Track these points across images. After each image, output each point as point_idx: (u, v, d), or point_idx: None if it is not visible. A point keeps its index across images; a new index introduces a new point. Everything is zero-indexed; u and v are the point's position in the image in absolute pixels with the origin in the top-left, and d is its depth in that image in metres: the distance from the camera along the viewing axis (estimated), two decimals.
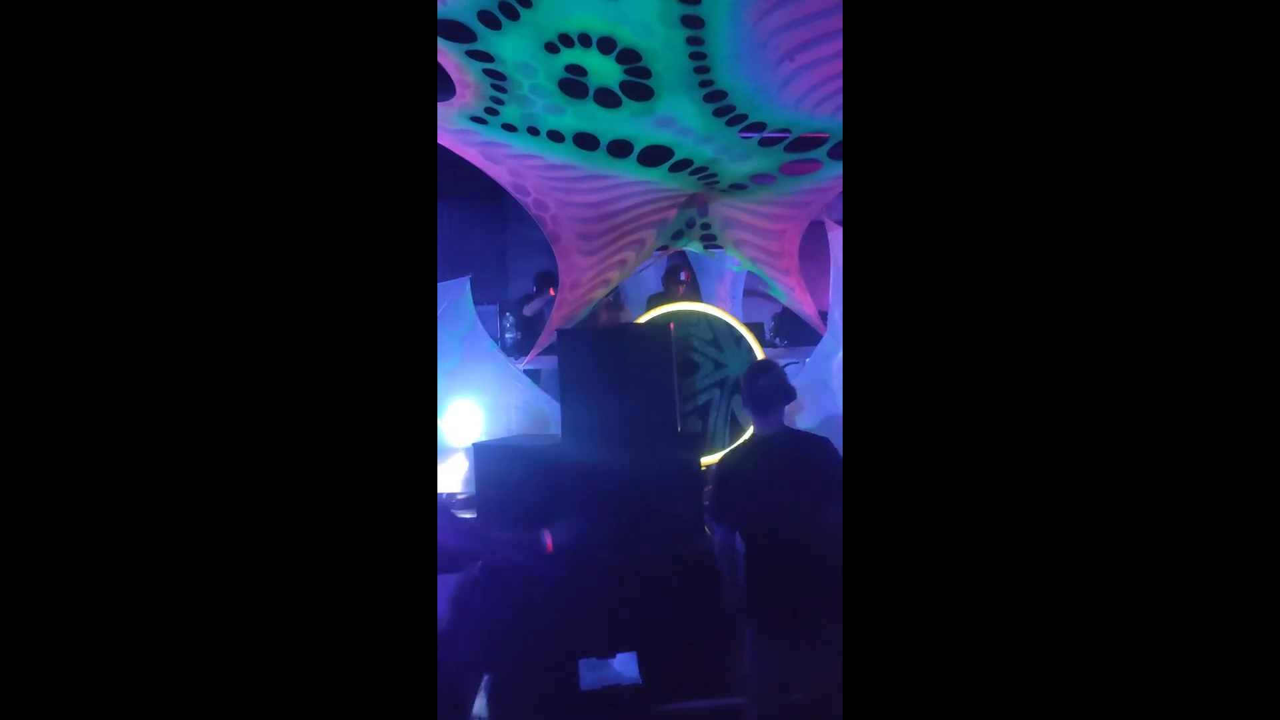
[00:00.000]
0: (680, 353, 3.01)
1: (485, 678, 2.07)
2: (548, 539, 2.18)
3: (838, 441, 2.00)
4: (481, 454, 2.46)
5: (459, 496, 2.89)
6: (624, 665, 2.00)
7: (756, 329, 3.58)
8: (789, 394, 2.17)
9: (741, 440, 2.10)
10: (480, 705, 1.99)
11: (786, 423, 2.20)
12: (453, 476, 2.94)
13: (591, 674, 1.97)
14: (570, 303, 3.07)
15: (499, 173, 2.64)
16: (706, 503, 2.29)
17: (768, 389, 2.09)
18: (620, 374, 2.50)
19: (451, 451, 2.90)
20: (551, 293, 3.67)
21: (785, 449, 2.06)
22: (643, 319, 3.29)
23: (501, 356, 3.18)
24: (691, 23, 1.71)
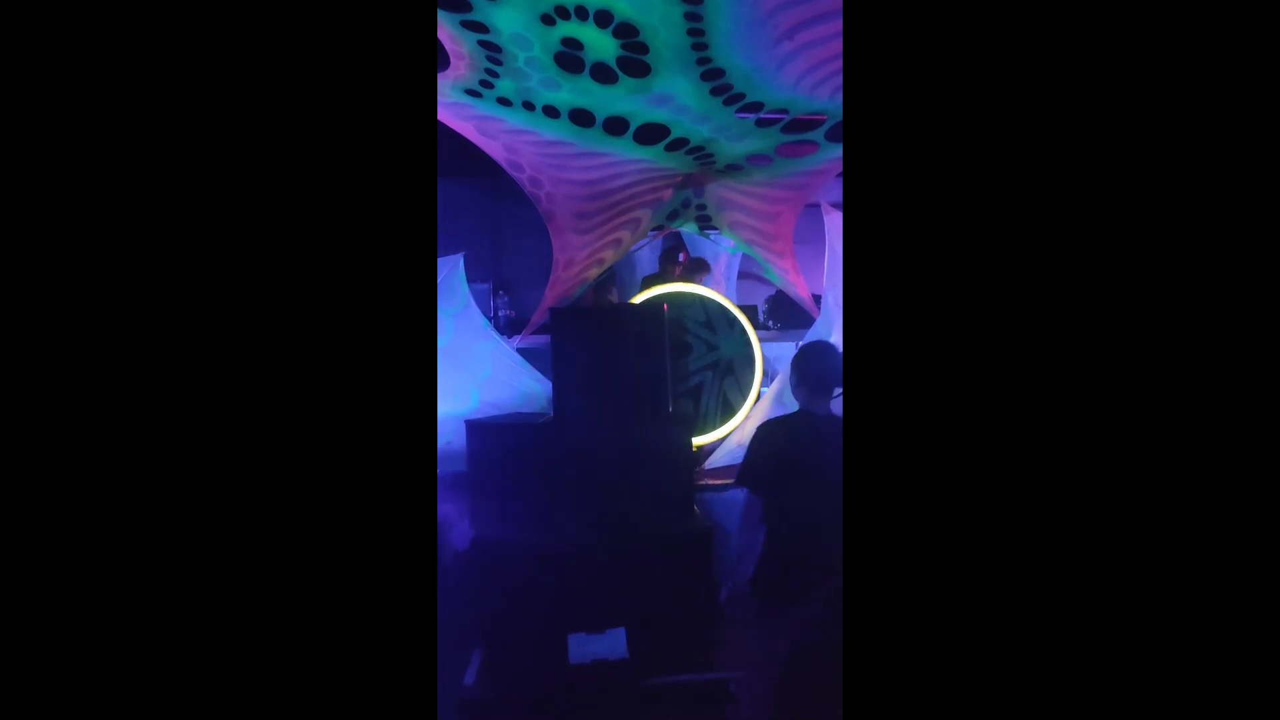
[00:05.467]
0: (673, 334, 3.01)
1: (476, 652, 2.10)
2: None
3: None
4: (474, 431, 2.47)
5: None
6: (612, 640, 2.03)
7: (750, 311, 3.58)
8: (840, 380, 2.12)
9: (791, 413, 2.09)
10: (471, 678, 2.01)
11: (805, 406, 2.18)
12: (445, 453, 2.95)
13: (580, 648, 2.00)
14: (564, 281, 3.06)
15: (493, 148, 2.61)
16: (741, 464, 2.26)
17: (828, 371, 2.04)
18: (613, 354, 2.50)
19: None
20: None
21: (833, 435, 2.02)
22: (637, 299, 3.29)
23: (494, 334, 3.16)
24: None
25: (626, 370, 2.49)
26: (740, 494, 2.07)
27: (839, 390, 2.07)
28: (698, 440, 3.07)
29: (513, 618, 2.12)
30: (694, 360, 3.18)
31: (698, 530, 2.34)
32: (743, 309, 3.34)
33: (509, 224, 4.84)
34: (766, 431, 2.08)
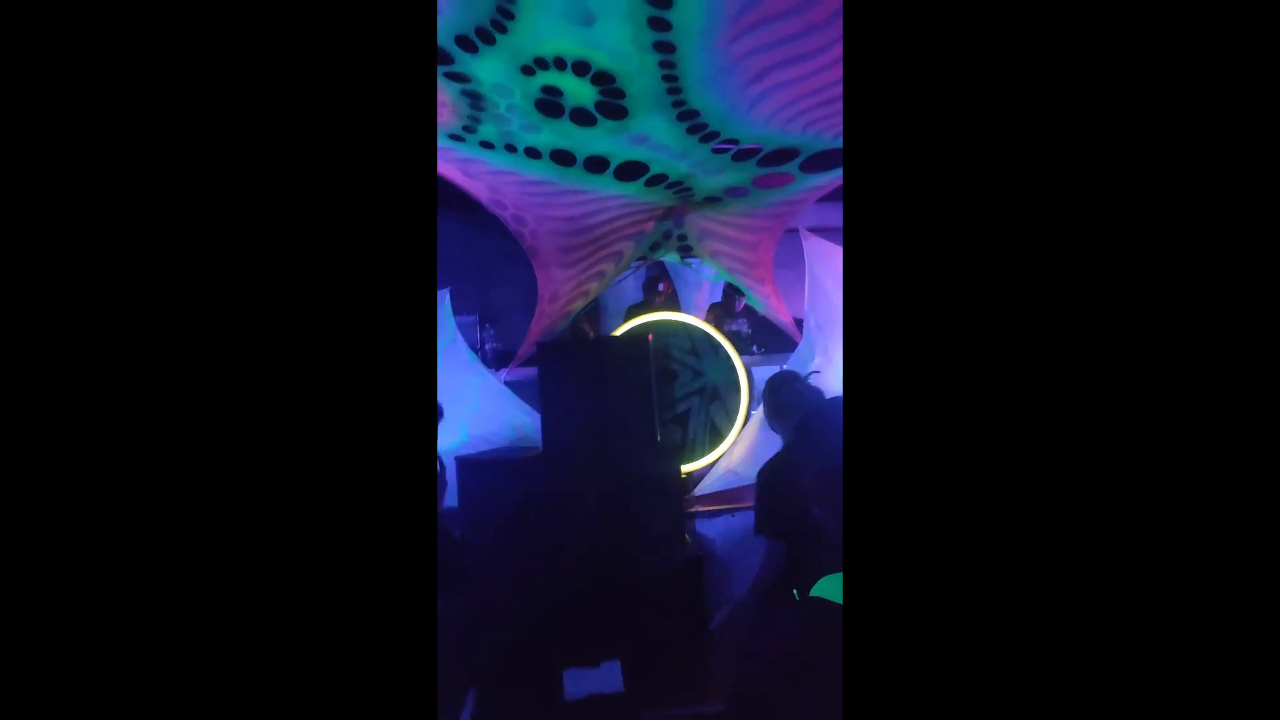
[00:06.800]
0: (659, 362, 3.05)
1: (471, 690, 2.09)
2: None
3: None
4: (464, 467, 2.48)
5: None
6: (607, 674, 2.03)
7: (734, 336, 3.64)
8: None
9: (779, 452, 2.15)
10: (466, 718, 2.01)
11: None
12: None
13: (575, 684, 2.01)
14: (550, 315, 3.10)
15: (477, 188, 2.67)
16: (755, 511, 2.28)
17: (790, 400, 2.08)
18: (600, 385, 2.54)
19: None
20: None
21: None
22: (621, 329, 3.33)
23: (482, 368, 3.19)
24: (663, 48, 1.76)
25: (614, 401, 2.53)
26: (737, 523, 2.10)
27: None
28: (687, 467, 3.10)
29: (506, 654, 2.12)
30: (680, 387, 3.22)
31: (689, 558, 2.36)
32: (726, 335, 3.40)
33: (494, 256, 4.89)
34: (768, 474, 2.11)
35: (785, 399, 2.13)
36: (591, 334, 3.65)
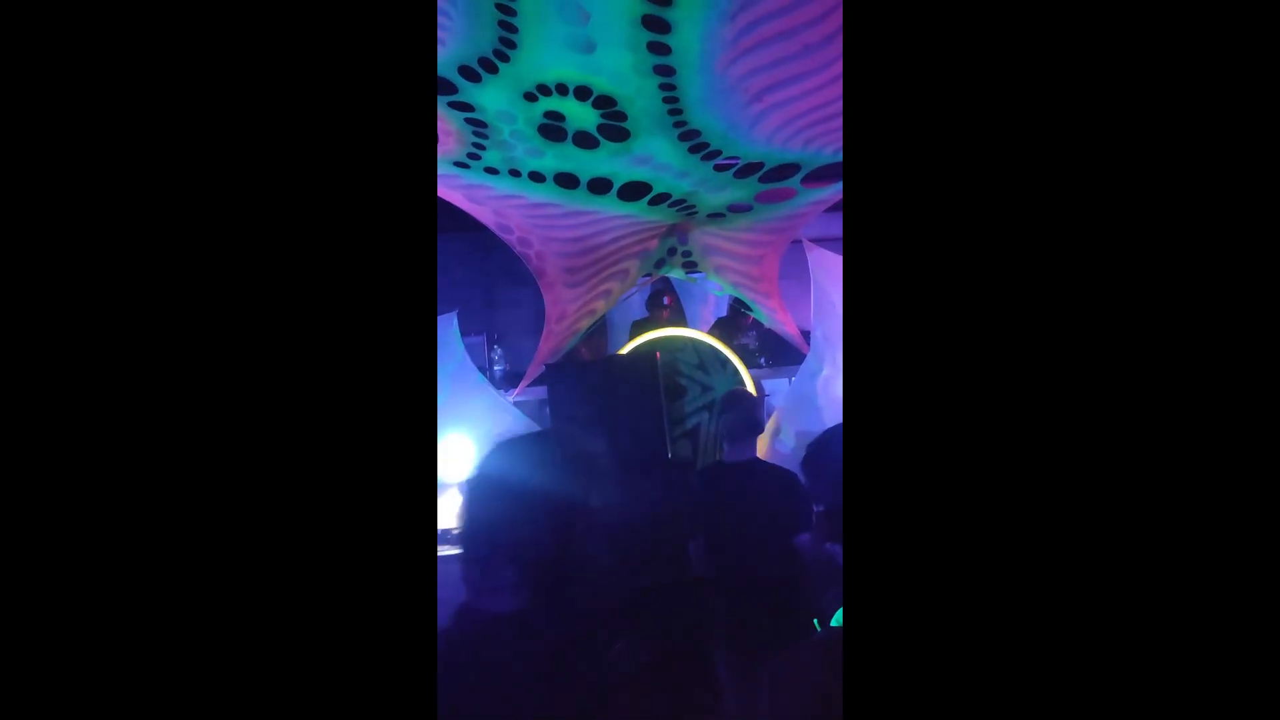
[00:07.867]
0: (667, 377, 3.06)
1: None
2: None
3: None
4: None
5: (454, 532, 2.90)
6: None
7: (742, 350, 3.64)
8: (756, 428, 2.30)
9: (712, 463, 2.25)
10: None
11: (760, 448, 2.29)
12: (447, 512, 2.96)
13: None
14: (557, 334, 3.12)
15: (482, 213, 2.70)
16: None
17: (736, 422, 2.23)
18: (610, 404, 2.55)
19: (445, 487, 2.92)
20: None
21: (749, 481, 2.16)
22: (628, 347, 3.35)
23: (491, 389, 3.21)
24: (663, 71, 1.79)
25: (624, 419, 2.55)
26: None
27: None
28: None
29: (518, 684, 2.11)
30: (689, 402, 3.22)
31: (703, 576, 2.35)
32: (734, 347, 3.40)
33: (500, 275, 4.92)
34: (710, 473, 2.30)
35: (731, 420, 2.29)
36: (589, 356, 3.65)
